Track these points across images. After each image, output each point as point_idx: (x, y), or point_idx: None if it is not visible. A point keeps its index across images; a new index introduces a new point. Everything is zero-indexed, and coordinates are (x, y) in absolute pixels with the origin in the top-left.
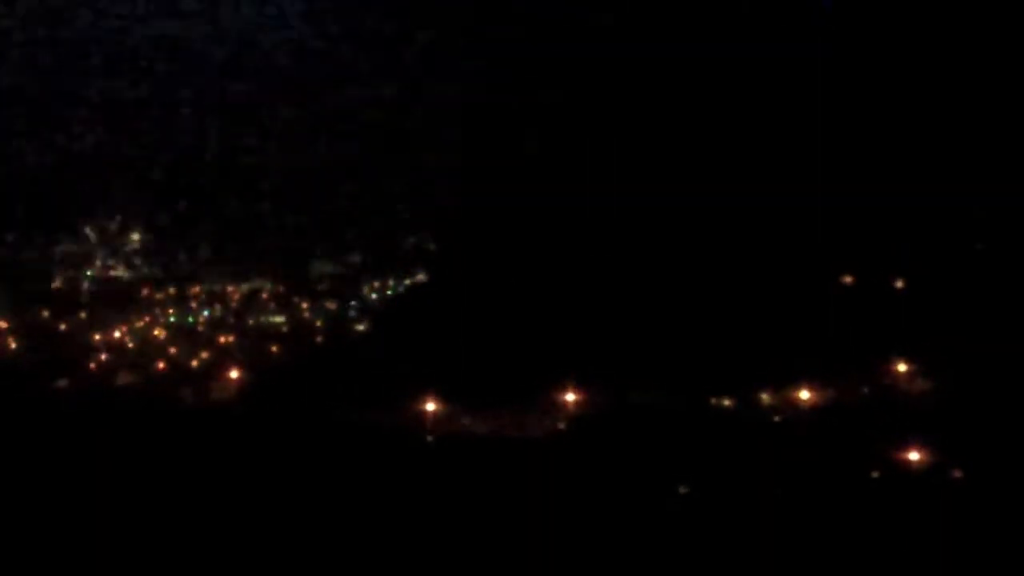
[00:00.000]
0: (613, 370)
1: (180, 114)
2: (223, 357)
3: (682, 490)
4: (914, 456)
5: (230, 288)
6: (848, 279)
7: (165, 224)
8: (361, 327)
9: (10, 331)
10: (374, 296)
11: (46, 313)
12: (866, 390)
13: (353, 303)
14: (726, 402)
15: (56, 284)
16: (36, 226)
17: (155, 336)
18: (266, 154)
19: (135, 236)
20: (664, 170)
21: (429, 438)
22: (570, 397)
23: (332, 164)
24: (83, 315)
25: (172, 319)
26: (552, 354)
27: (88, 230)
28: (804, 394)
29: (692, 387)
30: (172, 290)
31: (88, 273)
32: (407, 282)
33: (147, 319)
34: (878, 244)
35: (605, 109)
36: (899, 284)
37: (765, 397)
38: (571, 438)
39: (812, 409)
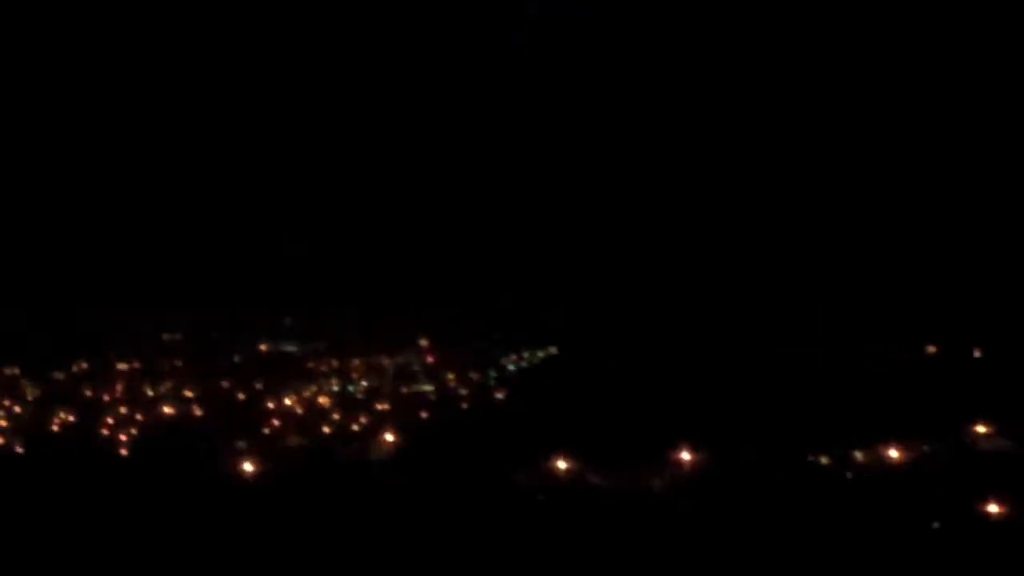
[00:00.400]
0: (724, 432)
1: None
2: (380, 421)
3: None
4: (993, 508)
5: (385, 361)
6: (932, 350)
7: (328, 307)
8: (500, 395)
9: (197, 399)
10: (511, 368)
11: (227, 384)
12: (949, 448)
13: (493, 374)
14: (823, 460)
15: (236, 359)
16: (219, 307)
17: (320, 403)
18: (413, 247)
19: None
20: (771, 254)
21: (559, 492)
22: (685, 456)
23: (471, 255)
24: (258, 385)
25: (335, 388)
26: (668, 417)
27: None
28: (893, 452)
29: (794, 446)
30: (335, 363)
31: (262, 349)
32: (540, 355)
33: (314, 388)
34: (958, 318)
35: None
36: (977, 354)
37: (859, 455)
38: (685, 492)
39: (900, 465)
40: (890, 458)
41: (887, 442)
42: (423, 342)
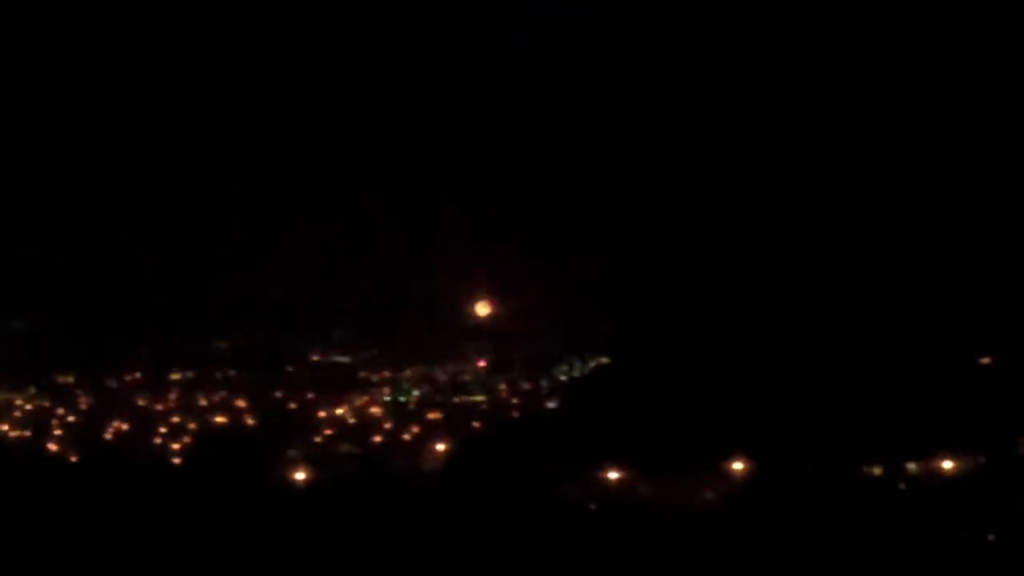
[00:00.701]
0: (778, 442)
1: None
2: (431, 431)
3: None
4: None
5: (437, 371)
6: (986, 360)
7: (380, 317)
8: (552, 404)
9: (246, 409)
10: (563, 377)
11: (279, 393)
12: (1003, 459)
13: (545, 383)
14: (876, 471)
15: (288, 369)
16: (273, 319)
17: (372, 412)
18: (466, 257)
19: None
20: (824, 260)
21: (610, 502)
22: (738, 466)
23: (523, 262)
24: (310, 395)
25: (387, 398)
26: (722, 427)
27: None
28: (947, 464)
29: (847, 457)
30: (387, 373)
31: (314, 359)
32: (592, 364)
33: (365, 398)
34: (1013, 330)
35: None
36: None
37: (912, 466)
38: (739, 504)
39: (954, 476)
40: (944, 469)
41: (941, 453)
42: (475, 352)
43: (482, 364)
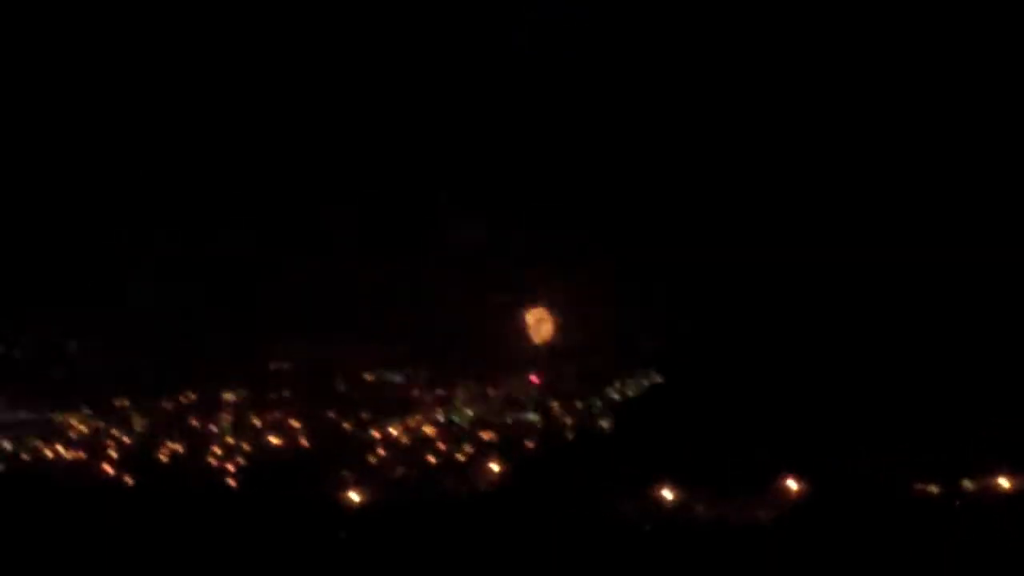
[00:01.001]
0: (831, 460)
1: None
2: (485, 451)
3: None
4: None
5: (491, 390)
6: None
7: (433, 334)
8: (605, 423)
9: (301, 430)
10: (617, 396)
11: (331, 414)
12: None
13: (598, 402)
14: (932, 488)
15: (339, 388)
16: (321, 333)
17: (426, 432)
18: (516, 274)
19: (407, 346)
20: (881, 281)
21: (666, 522)
22: (792, 485)
23: (571, 280)
24: (363, 415)
25: (440, 418)
26: (777, 446)
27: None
28: (1004, 482)
29: (900, 474)
30: (440, 392)
31: (367, 378)
32: (645, 383)
33: (419, 418)
34: None
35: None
36: None
37: (968, 484)
38: (793, 524)
39: (1012, 495)
40: (1001, 487)
41: (998, 471)
42: (528, 370)
43: (535, 382)
